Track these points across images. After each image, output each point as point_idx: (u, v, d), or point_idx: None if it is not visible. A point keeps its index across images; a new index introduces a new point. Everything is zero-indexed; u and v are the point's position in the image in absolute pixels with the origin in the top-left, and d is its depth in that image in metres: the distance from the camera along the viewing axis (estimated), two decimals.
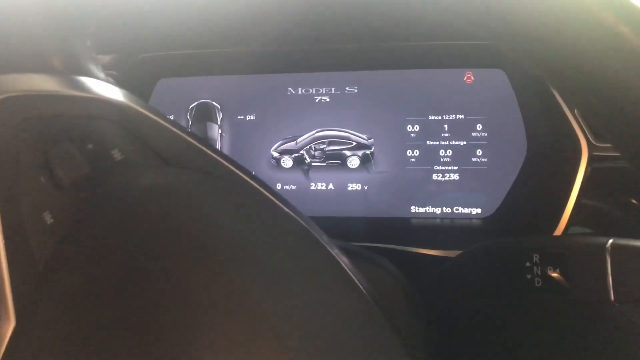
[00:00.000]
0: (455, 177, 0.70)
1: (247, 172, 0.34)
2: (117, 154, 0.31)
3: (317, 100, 0.74)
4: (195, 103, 0.76)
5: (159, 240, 0.27)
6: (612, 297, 0.38)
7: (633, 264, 0.39)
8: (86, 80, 0.33)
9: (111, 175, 0.30)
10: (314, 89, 0.74)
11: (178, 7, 0.61)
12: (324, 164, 0.74)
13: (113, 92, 0.33)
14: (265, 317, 0.25)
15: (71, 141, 0.30)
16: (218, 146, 0.75)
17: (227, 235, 0.28)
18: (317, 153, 0.73)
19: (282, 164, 0.74)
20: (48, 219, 0.29)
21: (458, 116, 0.70)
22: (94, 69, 0.34)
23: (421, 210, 0.71)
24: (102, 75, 0.34)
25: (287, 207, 0.34)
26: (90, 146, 0.31)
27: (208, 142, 0.33)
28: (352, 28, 0.69)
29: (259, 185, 0.34)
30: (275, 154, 0.75)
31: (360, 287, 0.33)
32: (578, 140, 0.61)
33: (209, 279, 0.26)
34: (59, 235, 0.29)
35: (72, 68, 0.33)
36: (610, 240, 0.39)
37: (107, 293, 0.26)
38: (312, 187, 0.74)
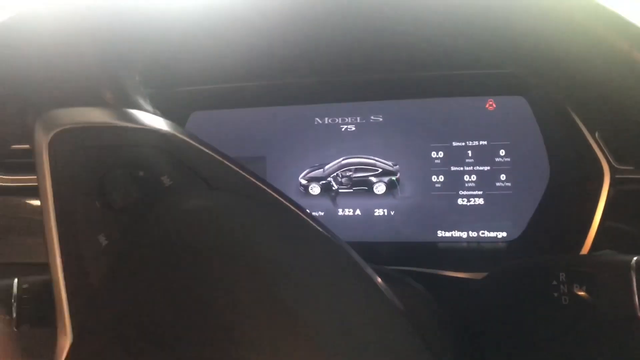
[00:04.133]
0: (480, 201, 0.71)
1: (285, 196, 0.36)
2: (166, 180, 0.33)
3: (343, 129, 0.76)
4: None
5: (207, 258, 0.29)
6: (639, 314, 0.39)
7: None
8: (136, 113, 0.35)
9: (161, 199, 0.33)
10: (339, 119, 0.76)
11: (209, 42, 0.65)
12: (351, 190, 0.76)
13: (160, 123, 0.36)
14: (304, 324, 0.27)
15: (123, 169, 0.33)
16: None
17: (269, 254, 0.30)
18: (343, 180, 0.75)
19: (310, 191, 0.77)
20: (103, 240, 0.31)
21: (481, 142, 0.72)
22: (142, 102, 0.37)
23: (447, 234, 0.72)
24: (150, 107, 0.37)
25: (323, 229, 0.36)
26: (141, 173, 0.33)
27: (247, 168, 0.35)
28: (376, 59, 0.71)
29: (297, 209, 0.36)
30: (303, 182, 0.77)
31: (391, 301, 0.35)
32: (600, 163, 0.62)
33: (254, 294, 0.28)
34: (113, 256, 0.31)
35: (123, 101, 0.35)
36: (635, 258, 0.40)
37: (158, 309, 0.28)
38: (340, 213, 0.76)
